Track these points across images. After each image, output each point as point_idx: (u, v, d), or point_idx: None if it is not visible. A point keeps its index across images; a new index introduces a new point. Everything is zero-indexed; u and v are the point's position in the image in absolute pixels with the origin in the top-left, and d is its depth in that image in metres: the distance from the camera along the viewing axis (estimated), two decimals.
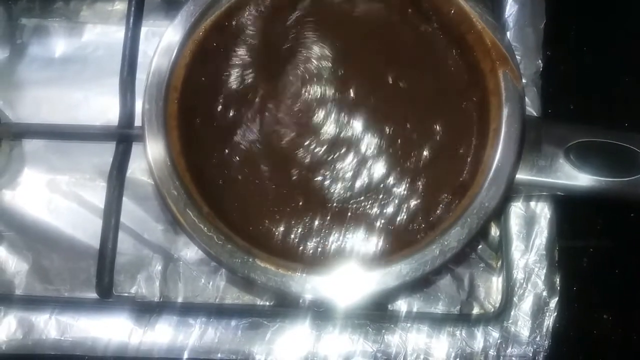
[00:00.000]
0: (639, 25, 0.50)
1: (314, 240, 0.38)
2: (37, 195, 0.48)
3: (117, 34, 0.49)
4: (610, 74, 0.49)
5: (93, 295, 0.43)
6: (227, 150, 0.40)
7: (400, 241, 0.38)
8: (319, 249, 0.38)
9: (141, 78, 0.43)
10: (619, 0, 0.50)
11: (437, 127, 0.40)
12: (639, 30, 0.49)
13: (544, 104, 0.47)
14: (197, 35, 0.39)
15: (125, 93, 0.44)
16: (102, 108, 0.48)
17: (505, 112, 0.37)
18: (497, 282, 0.45)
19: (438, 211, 0.38)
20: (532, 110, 0.46)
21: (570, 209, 0.45)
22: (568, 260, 0.45)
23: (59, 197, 0.48)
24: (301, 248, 0.38)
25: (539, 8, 0.49)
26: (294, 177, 0.39)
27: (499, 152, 0.37)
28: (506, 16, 0.48)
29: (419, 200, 0.39)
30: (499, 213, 0.43)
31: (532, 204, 0.45)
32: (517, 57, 0.46)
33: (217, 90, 0.40)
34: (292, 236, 0.38)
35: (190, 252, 0.46)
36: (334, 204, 0.39)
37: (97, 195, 0.47)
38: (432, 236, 0.36)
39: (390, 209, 0.39)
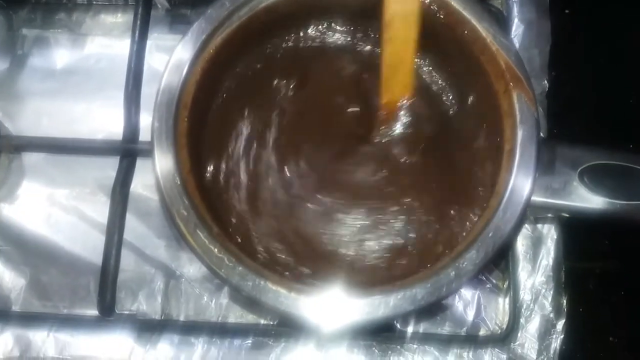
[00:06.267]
0: None
1: (326, 262, 0.38)
2: (36, 209, 0.47)
3: (120, 46, 0.49)
4: (616, 95, 0.49)
5: (92, 312, 0.43)
6: (236, 167, 0.39)
7: (414, 263, 0.38)
8: (332, 271, 0.38)
9: (145, 91, 0.43)
10: (624, 21, 0.50)
11: (451, 149, 0.39)
12: None
13: (550, 124, 0.47)
14: (208, 53, 0.39)
15: (130, 107, 0.43)
16: (104, 121, 0.48)
17: (520, 134, 0.37)
18: (503, 303, 0.45)
19: (452, 233, 0.38)
20: None
21: (576, 230, 0.45)
22: (575, 281, 0.45)
23: (58, 211, 0.47)
24: (313, 270, 0.38)
25: (544, 29, 0.49)
26: (306, 198, 0.39)
27: (514, 175, 0.36)
28: (512, 37, 0.48)
29: (432, 223, 0.39)
30: (515, 236, 0.42)
31: (539, 224, 0.45)
32: None
33: (228, 108, 0.40)
34: (305, 258, 0.38)
35: (192, 269, 0.45)
36: (348, 224, 0.39)
37: (98, 209, 0.46)
38: (447, 260, 0.35)
39: (403, 231, 0.39)
